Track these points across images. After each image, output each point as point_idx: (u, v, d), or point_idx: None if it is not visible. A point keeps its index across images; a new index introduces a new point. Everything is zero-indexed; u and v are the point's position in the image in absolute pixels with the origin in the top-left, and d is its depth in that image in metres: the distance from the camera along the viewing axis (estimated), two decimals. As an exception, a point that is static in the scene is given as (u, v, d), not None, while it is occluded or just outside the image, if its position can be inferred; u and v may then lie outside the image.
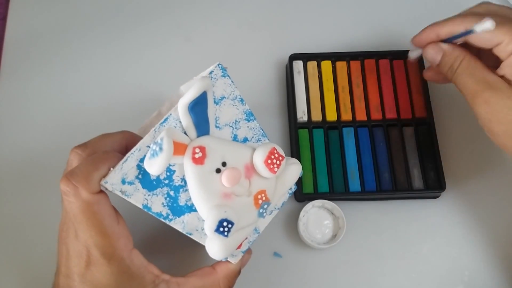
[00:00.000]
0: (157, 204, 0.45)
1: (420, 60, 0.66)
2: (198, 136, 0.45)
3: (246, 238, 0.49)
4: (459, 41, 0.54)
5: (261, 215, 0.47)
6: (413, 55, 0.60)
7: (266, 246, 0.61)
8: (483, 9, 0.55)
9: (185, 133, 0.45)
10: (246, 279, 0.55)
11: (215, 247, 0.45)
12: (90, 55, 0.70)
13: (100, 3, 0.73)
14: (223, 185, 0.45)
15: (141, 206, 0.44)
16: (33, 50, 0.70)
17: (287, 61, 0.67)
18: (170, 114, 0.44)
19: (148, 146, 0.43)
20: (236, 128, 0.48)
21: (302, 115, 0.64)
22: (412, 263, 0.61)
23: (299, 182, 0.61)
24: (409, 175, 0.62)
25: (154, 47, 0.71)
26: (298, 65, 0.66)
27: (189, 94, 0.43)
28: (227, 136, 0.48)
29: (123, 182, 0.43)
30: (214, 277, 0.49)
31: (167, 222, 0.45)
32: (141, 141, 0.44)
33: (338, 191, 0.61)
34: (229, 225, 0.44)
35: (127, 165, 0.43)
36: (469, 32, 0.51)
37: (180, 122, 0.44)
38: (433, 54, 0.56)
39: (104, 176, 0.43)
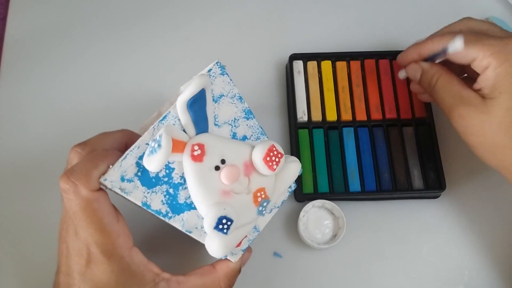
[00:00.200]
0: (156, 201, 0.45)
1: None
2: (197, 133, 0.45)
3: (246, 236, 0.49)
4: (440, 58, 0.56)
5: (260, 213, 0.47)
6: (401, 75, 0.62)
7: (266, 246, 0.60)
8: (463, 25, 0.56)
9: (184, 130, 0.45)
10: (246, 279, 0.55)
11: (214, 245, 0.45)
12: (90, 55, 0.70)
13: (100, 3, 0.73)
14: (222, 182, 0.45)
15: (140, 204, 0.44)
16: (33, 50, 0.70)
17: (287, 61, 0.67)
18: (169, 112, 0.44)
19: (147, 144, 0.43)
20: (235, 126, 0.48)
21: (302, 115, 0.64)
22: (412, 263, 0.61)
23: (299, 182, 0.61)
24: (409, 175, 0.62)
25: (154, 47, 0.71)
26: (298, 65, 0.66)
27: (188, 91, 0.43)
28: (226, 134, 0.48)
29: (122, 179, 0.43)
30: (214, 276, 0.49)
31: (166, 220, 0.45)
32: (140, 138, 0.44)
33: (338, 191, 0.61)
34: (229, 223, 0.44)
35: (126, 163, 0.43)
36: (444, 51, 0.54)
37: (179, 119, 0.44)
38: (413, 72, 0.59)
39: (104, 173, 0.43)
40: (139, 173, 0.44)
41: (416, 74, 0.59)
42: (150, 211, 0.45)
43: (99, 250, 0.43)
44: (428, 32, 0.58)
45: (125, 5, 0.73)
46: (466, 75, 0.60)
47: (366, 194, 0.61)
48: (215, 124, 0.47)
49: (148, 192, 0.44)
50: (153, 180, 0.44)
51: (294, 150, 0.62)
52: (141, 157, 0.43)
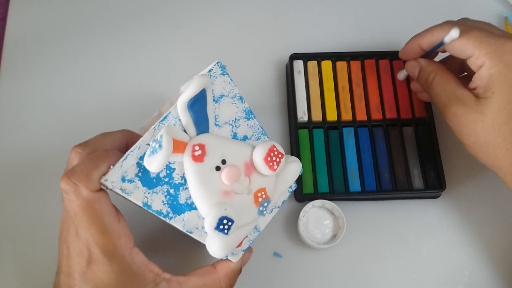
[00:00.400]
0: (157, 202, 0.45)
1: None
2: (198, 134, 0.45)
3: (247, 236, 0.49)
4: (441, 49, 0.57)
5: (261, 213, 0.47)
6: (401, 76, 0.64)
7: (266, 246, 0.60)
8: (461, 23, 0.56)
9: (184, 131, 0.45)
10: (246, 279, 0.55)
11: (215, 245, 0.45)
12: (90, 55, 0.70)
13: (100, 3, 0.73)
14: (223, 183, 0.45)
15: (141, 204, 0.44)
16: (33, 50, 0.70)
17: (287, 61, 0.67)
18: (170, 112, 0.44)
19: (148, 144, 0.43)
20: (235, 126, 0.48)
21: (302, 115, 0.64)
22: (412, 263, 0.61)
23: (299, 182, 0.61)
24: (409, 175, 0.62)
25: (154, 48, 0.71)
26: (298, 64, 0.66)
27: (188, 91, 0.43)
28: (226, 134, 0.48)
29: (123, 180, 0.43)
30: (215, 276, 0.49)
31: (167, 220, 0.45)
32: (141, 139, 0.44)
33: (338, 191, 0.61)
34: (229, 223, 0.44)
35: (127, 163, 0.43)
36: (442, 43, 0.54)
37: (180, 120, 0.44)
38: (411, 69, 0.60)
39: (104, 174, 0.43)
40: (139, 174, 0.44)
41: (415, 71, 0.59)
42: (151, 211, 0.45)
43: (100, 251, 0.43)
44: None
45: (125, 5, 0.73)
46: (466, 73, 0.60)
47: (366, 194, 0.61)
48: (216, 124, 0.47)
49: (148, 193, 0.44)
50: (154, 180, 0.44)
51: (294, 150, 0.62)
52: (142, 158, 0.43)
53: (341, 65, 0.66)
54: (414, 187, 0.61)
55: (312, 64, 0.66)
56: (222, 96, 0.48)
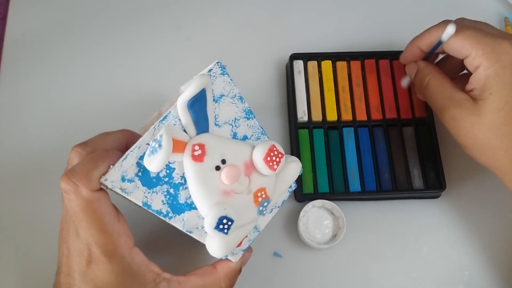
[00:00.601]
0: (157, 201, 0.45)
1: None
2: (198, 133, 0.45)
3: (246, 236, 0.49)
4: (440, 50, 0.57)
5: (261, 212, 0.47)
6: (404, 83, 0.64)
7: (266, 246, 0.60)
8: (458, 23, 0.56)
9: (184, 130, 0.45)
10: (246, 279, 0.55)
11: (215, 245, 0.45)
12: (90, 55, 0.70)
13: (100, 3, 0.73)
14: (222, 182, 0.45)
15: (141, 204, 0.44)
16: (33, 50, 0.70)
17: (287, 61, 0.67)
18: (170, 112, 0.44)
19: (148, 144, 0.43)
20: (235, 126, 0.48)
21: (302, 115, 0.64)
22: (412, 263, 0.61)
23: (299, 182, 0.61)
24: (409, 175, 0.62)
25: (154, 47, 0.71)
26: (298, 64, 0.66)
27: (188, 91, 0.43)
28: (226, 134, 0.48)
29: (123, 179, 0.43)
30: (215, 276, 0.49)
31: (167, 220, 0.45)
32: (141, 138, 0.44)
33: (338, 191, 0.61)
34: (229, 223, 0.44)
35: (127, 163, 0.43)
36: (440, 42, 0.54)
37: (180, 119, 0.44)
38: (410, 70, 0.60)
39: (104, 173, 0.43)
40: (139, 173, 0.44)
41: (412, 72, 0.59)
42: (150, 211, 0.45)
43: (100, 250, 0.43)
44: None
45: (125, 5, 0.73)
46: (466, 71, 0.60)
47: (366, 194, 0.61)
48: (216, 124, 0.47)
49: (148, 192, 0.44)
50: (154, 180, 0.44)
51: (294, 150, 0.62)
52: (141, 157, 0.43)
53: (341, 65, 0.66)
54: (414, 187, 0.61)
55: (312, 64, 0.66)
56: (222, 96, 0.48)
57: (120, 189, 0.43)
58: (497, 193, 0.63)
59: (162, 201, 0.45)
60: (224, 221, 0.43)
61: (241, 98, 0.49)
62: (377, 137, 0.64)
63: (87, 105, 0.67)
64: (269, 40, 0.71)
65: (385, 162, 0.62)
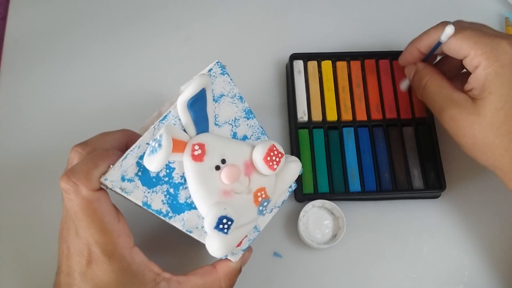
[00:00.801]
0: (157, 201, 0.45)
1: None
2: (198, 133, 0.45)
3: (246, 236, 0.49)
4: (439, 51, 0.57)
5: (261, 212, 0.47)
6: (403, 86, 0.64)
7: (266, 246, 0.60)
8: (455, 24, 0.56)
9: (184, 130, 0.45)
10: (246, 279, 0.55)
11: (215, 244, 0.45)
12: (91, 55, 0.70)
13: (100, 3, 0.73)
14: (222, 182, 0.45)
15: (140, 204, 0.44)
16: (33, 50, 0.70)
17: (287, 61, 0.67)
18: (170, 112, 0.44)
19: (148, 143, 0.43)
20: (235, 125, 0.48)
21: (302, 115, 0.64)
22: (412, 263, 0.61)
23: (299, 182, 0.61)
24: (409, 175, 0.62)
25: (154, 48, 0.71)
26: (298, 64, 0.66)
27: (188, 91, 0.43)
28: (226, 133, 0.48)
29: (123, 179, 0.43)
30: (215, 276, 0.49)
31: (167, 219, 0.45)
32: (141, 138, 0.44)
33: (338, 191, 0.61)
34: (229, 222, 0.44)
35: (127, 162, 0.43)
36: (439, 43, 0.54)
37: (180, 119, 0.44)
38: (409, 72, 0.60)
39: (104, 173, 0.43)
40: (139, 173, 0.44)
41: (411, 74, 0.60)
42: (150, 210, 0.44)
43: (100, 250, 0.43)
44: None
45: (125, 5, 0.73)
46: (465, 70, 0.60)
47: (366, 194, 0.61)
48: (216, 124, 0.47)
49: (148, 192, 0.44)
50: (154, 179, 0.44)
51: (294, 150, 0.62)
52: (141, 157, 0.43)
53: (341, 65, 0.66)
54: (414, 187, 0.61)
55: (312, 64, 0.66)
56: (222, 95, 0.48)
57: (120, 188, 0.43)
58: (497, 193, 0.63)
59: (162, 200, 0.45)
60: (224, 221, 0.43)
61: (241, 98, 0.49)
62: (377, 137, 0.64)
63: (87, 105, 0.67)
64: (269, 40, 0.71)
65: (385, 162, 0.62)
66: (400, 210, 0.63)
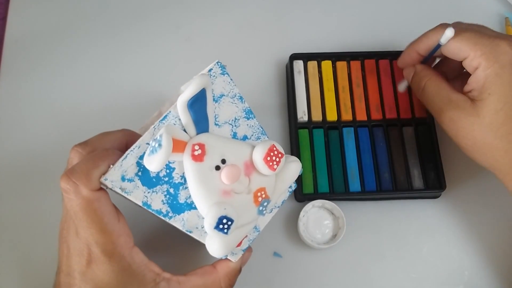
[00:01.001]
0: (157, 201, 0.45)
1: None
2: (198, 133, 0.45)
3: (246, 236, 0.49)
4: (438, 54, 0.57)
5: (261, 212, 0.47)
6: (402, 87, 0.64)
7: (266, 246, 0.61)
8: (454, 26, 0.56)
9: (184, 130, 0.45)
10: (246, 279, 0.55)
11: (215, 245, 0.45)
12: (90, 55, 0.70)
13: (100, 3, 0.73)
14: (222, 182, 0.45)
15: (140, 204, 0.44)
16: (33, 50, 0.70)
17: (287, 61, 0.67)
18: (170, 112, 0.44)
19: (148, 143, 0.43)
20: (235, 126, 0.48)
21: (302, 115, 0.64)
22: (412, 263, 0.61)
23: (299, 182, 0.61)
24: (409, 175, 0.62)
25: (154, 48, 0.71)
26: (298, 65, 0.66)
27: (188, 91, 0.43)
28: (226, 133, 0.48)
29: (123, 179, 0.43)
30: (215, 276, 0.49)
31: (167, 219, 0.45)
32: (141, 138, 0.44)
33: (338, 191, 0.61)
34: (229, 222, 0.44)
35: (127, 162, 0.43)
36: (439, 45, 0.54)
37: (180, 119, 0.44)
38: (408, 73, 0.60)
39: (104, 173, 0.43)
40: (139, 173, 0.44)
41: (409, 75, 0.60)
42: (150, 210, 0.44)
43: (100, 250, 0.43)
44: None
45: (125, 5, 0.73)
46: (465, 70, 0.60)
47: (366, 194, 0.61)
48: (216, 124, 0.47)
49: (148, 192, 0.44)
50: (154, 179, 0.44)
51: (294, 150, 0.62)
52: (141, 157, 0.43)
53: (341, 65, 0.66)
54: (414, 187, 0.61)
55: (312, 64, 0.66)
56: (222, 95, 0.48)
57: (120, 188, 0.43)
58: (497, 193, 0.63)
59: (162, 200, 0.45)
60: (224, 221, 0.43)
61: (241, 98, 0.49)
62: (377, 137, 0.64)
63: (87, 105, 0.67)
64: (269, 40, 0.71)
65: (385, 162, 0.62)
66: (400, 210, 0.63)
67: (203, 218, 0.45)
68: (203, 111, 0.45)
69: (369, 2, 0.74)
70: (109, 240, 0.43)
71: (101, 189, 0.43)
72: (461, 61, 0.54)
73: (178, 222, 0.46)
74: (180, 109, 0.44)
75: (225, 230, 0.44)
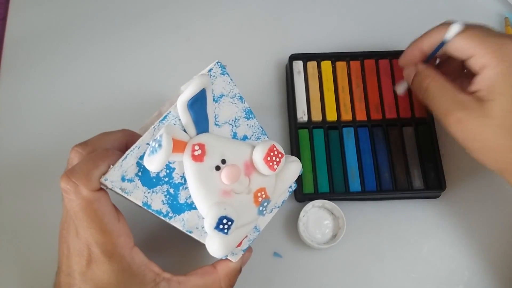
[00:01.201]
0: (157, 201, 0.45)
1: None
2: (198, 133, 0.45)
3: (246, 236, 0.49)
4: (440, 53, 0.55)
5: (261, 212, 0.47)
6: (400, 90, 0.63)
7: (266, 246, 0.61)
8: None
9: (184, 130, 0.45)
10: (246, 279, 0.55)
11: (215, 245, 0.45)
12: (90, 56, 0.70)
13: (100, 3, 0.73)
14: (222, 182, 0.45)
15: (141, 204, 0.44)
16: (33, 50, 0.70)
17: (287, 61, 0.67)
18: (170, 112, 0.44)
19: (148, 144, 0.43)
20: (235, 126, 0.48)
21: (302, 115, 0.64)
22: (412, 263, 0.61)
23: (299, 182, 0.61)
24: (409, 175, 0.62)
25: (154, 48, 0.71)
26: (298, 65, 0.66)
27: (188, 91, 0.43)
28: (226, 133, 0.48)
29: (123, 179, 0.43)
30: (215, 276, 0.49)
31: (167, 220, 0.45)
32: (141, 138, 0.44)
33: (338, 191, 0.61)
34: (229, 222, 0.44)
35: (127, 163, 0.43)
36: (443, 42, 0.53)
37: (180, 119, 0.44)
38: (409, 73, 0.58)
39: (104, 173, 0.43)
40: (139, 173, 0.44)
41: (410, 75, 0.58)
42: (150, 211, 0.44)
43: (100, 250, 0.43)
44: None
45: (125, 5, 0.73)
46: (466, 70, 0.59)
47: (366, 194, 0.61)
48: (216, 124, 0.47)
49: (148, 192, 0.44)
50: (154, 180, 0.44)
51: (294, 150, 0.62)
52: (141, 157, 0.43)
53: (341, 65, 0.66)
54: (414, 187, 0.61)
55: (312, 65, 0.66)
56: (222, 95, 0.48)
57: (120, 189, 0.43)
58: (497, 193, 0.63)
59: (162, 201, 0.45)
60: (224, 221, 0.43)
61: (241, 98, 0.49)
62: (377, 137, 0.64)
63: (87, 105, 0.67)
64: (269, 40, 0.71)
65: (385, 162, 0.62)
66: (400, 210, 0.63)
67: (203, 218, 0.45)
68: (203, 111, 0.45)
69: (369, 2, 0.74)
70: (109, 240, 0.43)
71: (101, 189, 0.43)
72: (464, 61, 0.53)
73: (178, 222, 0.46)
74: (180, 109, 0.44)
75: (225, 230, 0.44)
